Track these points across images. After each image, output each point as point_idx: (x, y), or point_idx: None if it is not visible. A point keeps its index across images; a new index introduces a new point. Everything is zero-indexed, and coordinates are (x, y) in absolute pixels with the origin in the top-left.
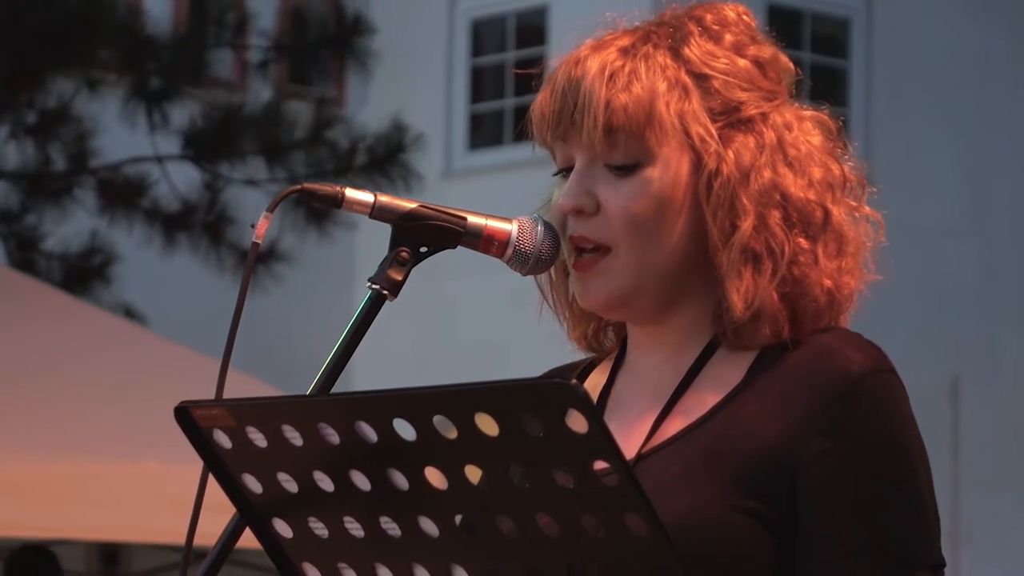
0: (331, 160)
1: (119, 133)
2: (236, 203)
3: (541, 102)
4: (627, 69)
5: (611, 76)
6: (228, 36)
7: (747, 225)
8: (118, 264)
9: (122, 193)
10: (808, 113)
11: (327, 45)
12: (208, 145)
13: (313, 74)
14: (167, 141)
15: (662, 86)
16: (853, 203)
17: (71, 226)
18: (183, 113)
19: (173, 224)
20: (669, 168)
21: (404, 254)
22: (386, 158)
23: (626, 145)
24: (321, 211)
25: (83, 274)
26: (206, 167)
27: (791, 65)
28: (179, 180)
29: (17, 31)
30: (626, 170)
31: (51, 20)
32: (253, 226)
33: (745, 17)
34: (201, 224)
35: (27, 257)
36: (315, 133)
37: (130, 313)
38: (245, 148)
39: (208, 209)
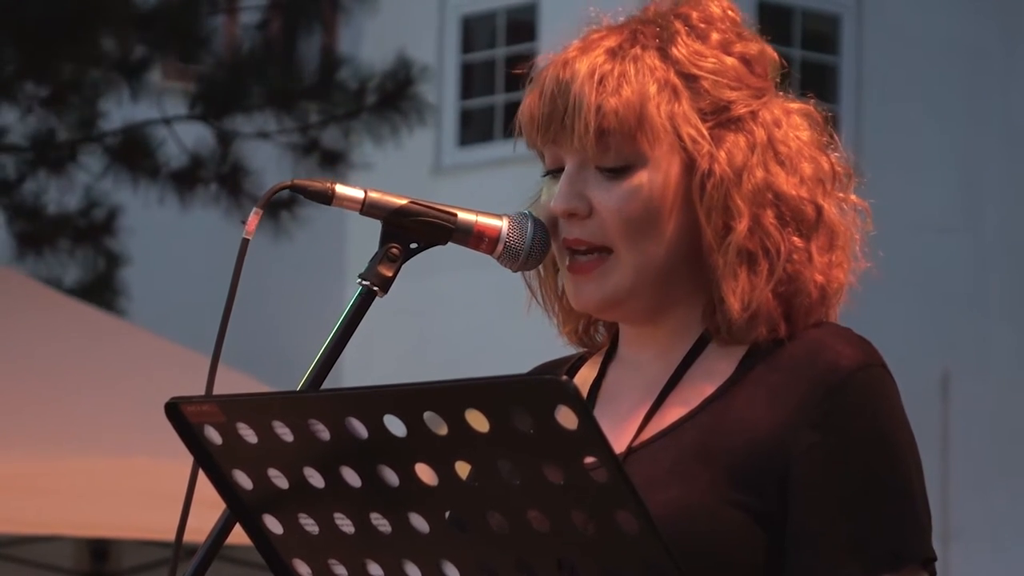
0: (342, 104)
1: (125, 104)
2: (250, 155)
3: (530, 105)
4: (616, 72)
5: (600, 79)
6: (222, 2)
7: (742, 226)
8: (123, 216)
9: (129, 155)
10: (795, 106)
11: None
12: (216, 102)
13: (311, 26)
14: (174, 103)
15: (652, 88)
16: (841, 194)
17: (77, 195)
18: (176, 89)
19: (185, 180)
20: (660, 170)
21: (394, 250)
22: (396, 94)
23: (617, 148)
24: (334, 157)
25: (88, 231)
26: (215, 124)
27: (776, 56)
28: (188, 140)
29: (23, 19)
30: (618, 172)
31: (60, 10)
32: (243, 222)
33: (730, 12)
34: (215, 177)
35: (31, 226)
36: (323, 78)
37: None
38: (253, 102)
39: (221, 162)
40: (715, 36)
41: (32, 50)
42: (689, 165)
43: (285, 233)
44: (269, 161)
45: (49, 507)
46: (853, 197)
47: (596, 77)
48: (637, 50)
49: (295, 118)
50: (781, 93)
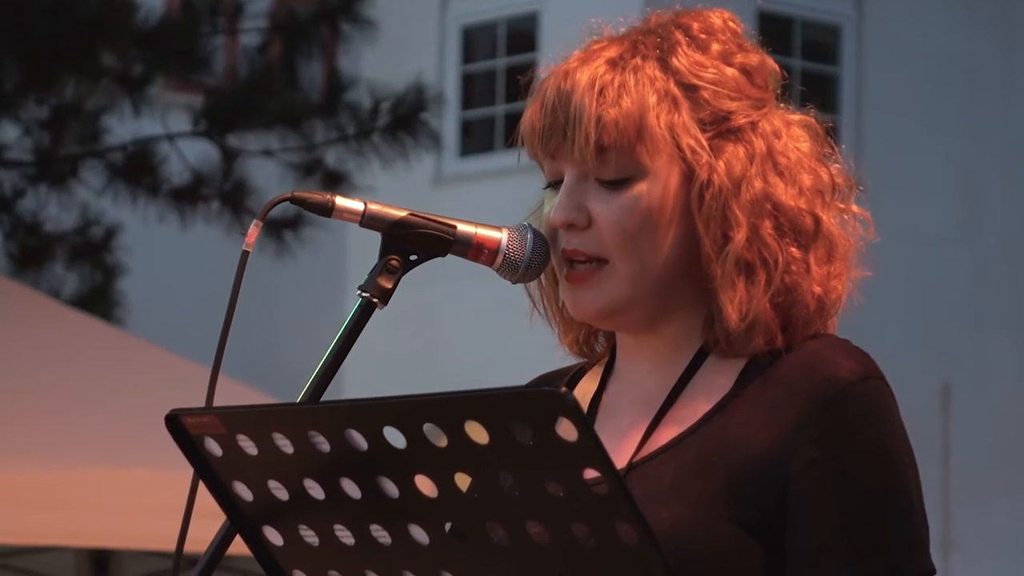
0: (350, 125)
1: (129, 120)
2: (253, 173)
3: (531, 116)
4: (616, 82)
5: (601, 90)
6: (222, 24)
7: (740, 236)
8: (122, 234)
9: (132, 171)
10: (795, 118)
11: (325, 17)
12: (221, 119)
13: (309, 53)
14: (178, 120)
15: (652, 99)
16: (841, 205)
17: (79, 211)
18: (180, 103)
19: (187, 197)
20: (660, 181)
21: (394, 262)
22: (408, 117)
23: (617, 160)
24: (338, 177)
25: (85, 249)
26: (218, 140)
27: (777, 68)
28: (192, 156)
29: (29, 36)
30: (617, 184)
31: (63, 27)
32: (243, 234)
33: (731, 24)
34: (218, 195)
35: (31, 242)
36: (330, 98)
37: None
38: (259, 120)
39: (224, 179)
40: (716, 47)
41: (34, 66)
42: (688, 175)
43: (288, 253)
44: (271, 180)
45: (50, 518)
46: (854, 207)
47: (596, 88)
48: (637, 60)
49: (301, 137)
50: (782, 105)
